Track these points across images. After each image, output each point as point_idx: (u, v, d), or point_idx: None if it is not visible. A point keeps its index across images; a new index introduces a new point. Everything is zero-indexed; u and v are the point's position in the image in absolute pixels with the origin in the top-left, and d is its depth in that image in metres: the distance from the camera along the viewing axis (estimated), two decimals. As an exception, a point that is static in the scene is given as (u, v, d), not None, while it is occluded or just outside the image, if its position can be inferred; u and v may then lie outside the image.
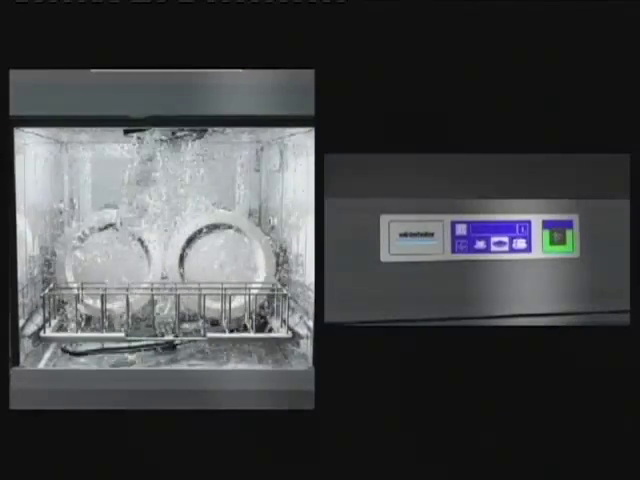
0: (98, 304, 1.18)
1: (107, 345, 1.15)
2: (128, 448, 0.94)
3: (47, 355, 1.14)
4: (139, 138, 1.19)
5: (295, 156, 1.21)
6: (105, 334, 1.14)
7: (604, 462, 0.94)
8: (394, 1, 0.96)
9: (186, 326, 1.23)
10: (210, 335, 1.13)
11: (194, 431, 0.94)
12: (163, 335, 1.18)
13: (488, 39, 0.96)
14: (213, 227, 1.31)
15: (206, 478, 0.94)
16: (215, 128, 1.14)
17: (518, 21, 0.96)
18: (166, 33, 0.95)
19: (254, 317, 1.19)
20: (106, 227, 1.31)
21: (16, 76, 0.92)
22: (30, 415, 0.94)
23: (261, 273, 1.29)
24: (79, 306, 1.22)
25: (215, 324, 1.21)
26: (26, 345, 1.07)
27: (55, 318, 1.22)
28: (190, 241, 1.31)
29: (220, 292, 1.19)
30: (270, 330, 1.23)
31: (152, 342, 1.16)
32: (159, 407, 0.96)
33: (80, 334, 1.17)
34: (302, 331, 1.11)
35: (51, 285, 1.26)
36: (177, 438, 0.94)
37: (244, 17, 0.95)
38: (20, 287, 1.04)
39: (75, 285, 1.27)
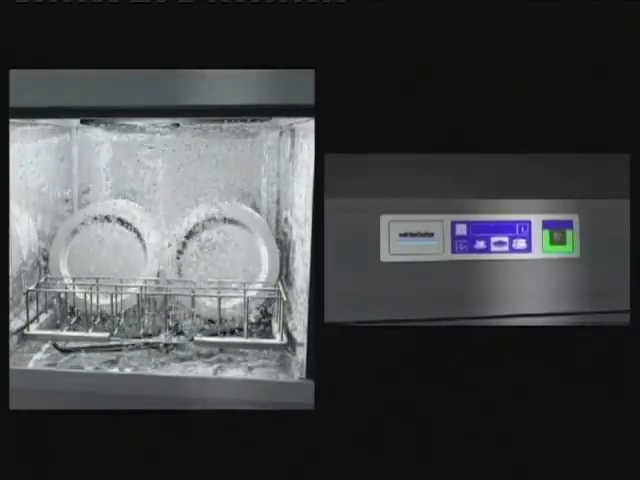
0: (89, 300, 1.17)
1: (95, 343, 1.14)
2: (127, 449, 0.94)
3: (40, 353, 1.14)
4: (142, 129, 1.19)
5: (302, 147, 1.19)
6: (90, 334, 1.13)
7: (604, 462, 0.94)
8: (395, 1, 0.96)
9: (184, 325, 1.22)
10: (198, 339, 1.12)
11: (191, 432, 0.94)
12: (151, 336, 1.16)
13: (488, 38, 0.96)
14: (215, 221, 1.28)
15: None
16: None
17: (518, 21, 0.96)
18: (166, 34, 0.95)
19: (248, 320, 1.16)
20: (105, 218, 1.29)
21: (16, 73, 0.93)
22: (30, 415, 0.94)
23: (263, 273, 1.27)
24: (69, 302, 1.21)
25: (213, 323, 1.19)
26: (10, 342, 1.07)
27: (47, 313, 1.21)
28: (189, 236, 1.28)
29: (214, 294, 1.17)
30: (269, 333, 1.22)
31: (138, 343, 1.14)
32: (155, 408, 0.96)
33: (65, 332, 1.16)
34: (300, 337, 1.10)
35: (41, 279, 1.25)
36: (176, 440, 0.94)
37: (244, 17, 0.95)
38: (11, 281, 1.04)
39: (63, 281, 1.25)
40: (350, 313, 0.96)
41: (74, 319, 1.22)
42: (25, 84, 0.93)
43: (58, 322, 1.23)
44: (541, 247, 1.04)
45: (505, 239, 1.03)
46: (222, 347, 1.14)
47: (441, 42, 0.96)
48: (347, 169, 0.97)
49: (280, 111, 0.98)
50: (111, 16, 0.95)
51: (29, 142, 1.21)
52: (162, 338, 1.14)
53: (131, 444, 0.93)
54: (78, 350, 1.13)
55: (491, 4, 0.96)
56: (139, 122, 1.17)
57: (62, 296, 1.24)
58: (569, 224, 1.05)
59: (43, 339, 1.15)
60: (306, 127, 1.08)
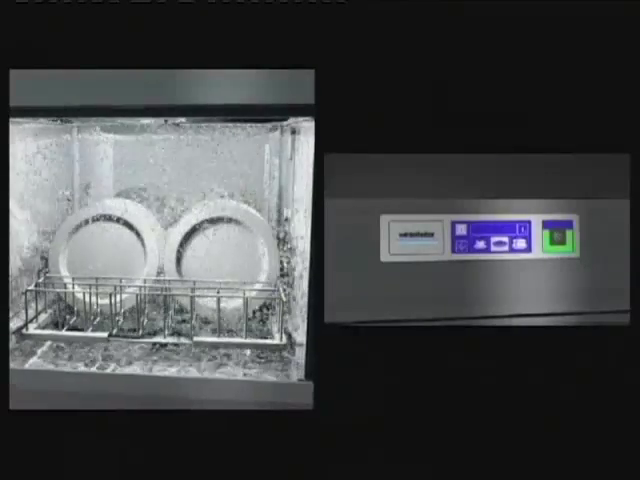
0: (88, 299, 1.17)
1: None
2: (127, 449, 0.94)
3: (39, 352, 1.14)
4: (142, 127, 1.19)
5: (302, 146, 1.19)
6: (89, 333, 1.14)
7: (604, 462, 0.94)
8: (395, 1, 0.96)
9: (182, 326, 1.22)
10: (197, 339, 1.11)
11: (191, 432, 0.94)
12: (151, 336, 1.16)
13: (489, 38, 0.96)
14: (215, 220, 1.28)
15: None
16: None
17: (518, 20, 0.96)
18: (166, 34, 0.95)
19: (246, 321, 1.15)
20: (105, 218, 1.29)
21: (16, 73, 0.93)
22: (30, 415, 0.94)
23: (263, 273, 1.27)
24: (69, 301, 1.21)
25: (213, 323, 1.19)
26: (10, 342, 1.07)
27: (46, 312, 1.21)
28: (189, 235, 1.28)
29: (213, 294, 1.17)
30: (269, 333, 1.22)
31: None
32: (155, 408, 0.96)
33: (64, 332, 1.16)
34: (300, 337, 1.10)
35: (41, 279, 1.25)
36: (176, 439, 0.94)
37: (244, 17, 0.95)
38: (11, 280, 1.04)
39: (62, 280, 1.25)
40: (350, 313, 0.96)
41: (73, 319, 1.22)
42: (25, 84, 0.93)
43: (57, 322, 1.23)
44: (541, 247, 1.04)
45: (505, 239, 1.03)
46: (222, 347, 1.13)
47: (441, 42, 0.96)
48: (347, 169, 0.97)
49: (280, 111, 0.98)
50: (111, 16, 0.95)
51: (29, 141, 1.21)
52: (162, 338, 1.14)
53: (131, 444, 0.93)
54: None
55: (491, 4, 0.96)
56: (139, 121, 1.17)
57: (61, 296, 1.24)
58: (569, 224, 1.05)
59: (42, 339, 1.15)
60: (306, 127, 1.08)
